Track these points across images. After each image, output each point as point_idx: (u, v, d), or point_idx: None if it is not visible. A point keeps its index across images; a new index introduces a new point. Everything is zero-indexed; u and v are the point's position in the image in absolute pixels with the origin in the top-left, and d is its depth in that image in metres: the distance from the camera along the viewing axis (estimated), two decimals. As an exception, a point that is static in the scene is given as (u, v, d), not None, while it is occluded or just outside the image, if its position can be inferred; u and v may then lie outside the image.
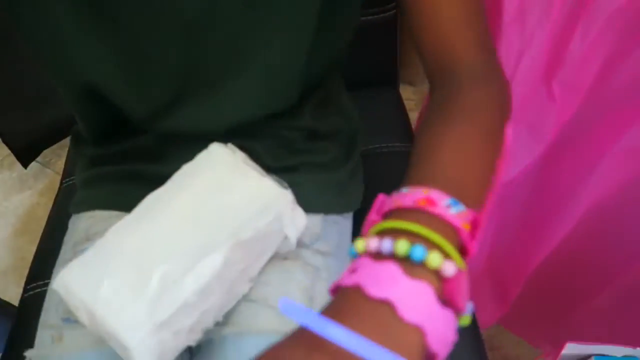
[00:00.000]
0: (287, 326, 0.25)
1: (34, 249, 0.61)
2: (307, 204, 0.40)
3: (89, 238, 0.44)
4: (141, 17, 0.36)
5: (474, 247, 0.26)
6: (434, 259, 0.24)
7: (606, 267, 0.62)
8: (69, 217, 0.50)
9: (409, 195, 0.27)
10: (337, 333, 0.22)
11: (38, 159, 1.14)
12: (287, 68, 0.40)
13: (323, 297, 0.41)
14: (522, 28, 0.48)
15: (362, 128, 0.52)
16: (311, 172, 0.45)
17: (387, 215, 0.27)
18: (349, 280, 0.24)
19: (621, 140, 0.47)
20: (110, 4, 0.36)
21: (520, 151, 0.53)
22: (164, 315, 0.32)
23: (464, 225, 0.26)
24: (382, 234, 0.26)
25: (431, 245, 0.24)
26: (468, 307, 0.25)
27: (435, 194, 0.26)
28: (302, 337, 0.23)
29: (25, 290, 0.55)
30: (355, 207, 0.50)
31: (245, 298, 0.38)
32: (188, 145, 0.41)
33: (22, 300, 0.54)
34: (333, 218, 0.46)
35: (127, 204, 0.40)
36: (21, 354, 0.43)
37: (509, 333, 0.83)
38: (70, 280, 0.35)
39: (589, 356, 0.59)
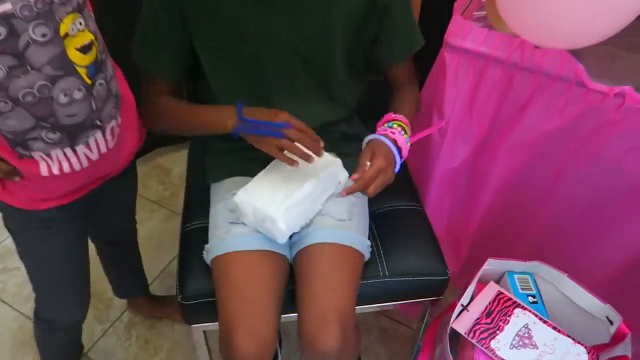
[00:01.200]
0: (340, 225, 0.70)
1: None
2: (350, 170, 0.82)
3: (232, 191, 0.83)
4: (268, 58, 0.79)
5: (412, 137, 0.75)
6: (405, 130, 0.71)
7: (519, 222, 1.01)
8: (200, 186, 0.89)
9: (396, 116, 0.74)
10: None
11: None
12: (341, 101, 0.83)
13: (357, 214, 0.82)
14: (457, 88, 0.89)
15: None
16: (344, 157, 0.84)
17: (390, 120, 0.75)
18: (383, 132, 0.76)
19: (510, 140, 0.88)
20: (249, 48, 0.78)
21: (458, 150, 0.93)
22: (292, 202, 0.71)
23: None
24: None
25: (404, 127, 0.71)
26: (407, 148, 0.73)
27: (401, 117, 0.74)
28: None
29: (183, 230, 0.91)
30: None
31: (319, 213, 0.78)
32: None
33: (183, 235, 0.91)
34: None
35: (251, 172, 0.79)
36: (190, 265, 0.81)
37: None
38: (247, 194, 0.75)
39: (504, 273, 0.97)
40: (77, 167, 0.73)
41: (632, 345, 0.84)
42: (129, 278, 1.23)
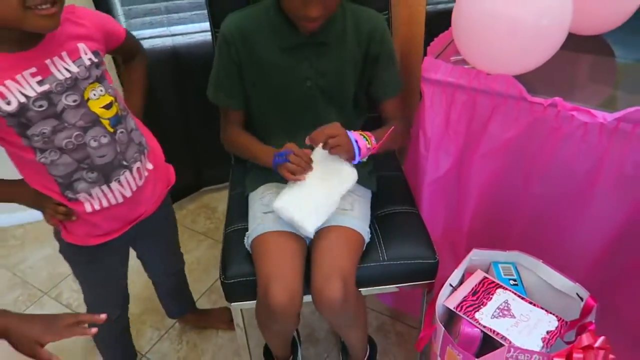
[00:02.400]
0: (343, 213, 1.01)
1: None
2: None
3: (266, 192, 1.10)
4: (296, 91, 1.08)
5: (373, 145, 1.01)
6: (369, 140, 0.96)
7: (504, 221, 1.20)
8: (241, 197, 1.15)
9: (366, 132, 0.99)
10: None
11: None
12: (350, 124, 1.09)
13: (358, 207, 1.08)
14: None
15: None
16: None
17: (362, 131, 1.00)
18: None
19: (481, 150, 1.10)
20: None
21: (441, 162, 1.16)
22: (323, 213, 0.97)
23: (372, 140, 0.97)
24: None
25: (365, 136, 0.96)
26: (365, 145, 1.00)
27: (367, 133, 0.98)
28: None
29: (225, 232, 1.16)
30: (373, 189, 1.15)
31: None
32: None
33: (225, 235, 1.15)
34: (365, 191, 1.12)
35: (278, 179, 1.05)
36: (230, 255, 1.06)
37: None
38: (284, 203, 1.00)
39: (490, 263, 1.15)
40: (112, 201, 0.95)
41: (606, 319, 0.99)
42: (177, 302, 1.47)
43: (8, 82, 0.80)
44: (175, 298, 1.45)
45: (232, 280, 1.06)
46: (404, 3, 1.47)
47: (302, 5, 0.95)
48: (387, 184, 1.23)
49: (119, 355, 1.33)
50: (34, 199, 0.93)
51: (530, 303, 1.03)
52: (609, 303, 1.02)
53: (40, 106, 0.83)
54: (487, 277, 1.09)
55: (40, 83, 0.83)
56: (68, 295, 1.67)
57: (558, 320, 1.00)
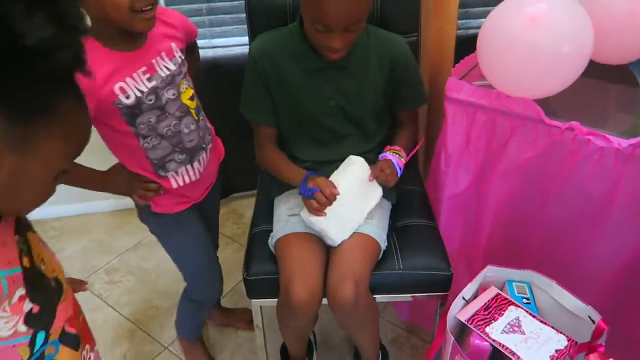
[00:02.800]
0: (373, 227, 1.07)
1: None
2: None
3: (291, 196, 1.16)
4: (320, 112, 1.15)
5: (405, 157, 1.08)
6: (401, 155, 1.03)
7: (520, 238, 1.22)
8: (267, 201, 1.22)
9: (391, 147, 1.07)
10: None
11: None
12: (372, 140, 1.17)
13: (377, 216, 1.13)
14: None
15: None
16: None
17: (387, 150, 1.08)
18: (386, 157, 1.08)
19: (499, 168, 1.13)
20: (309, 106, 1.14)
21: (461, 178, 1.20)
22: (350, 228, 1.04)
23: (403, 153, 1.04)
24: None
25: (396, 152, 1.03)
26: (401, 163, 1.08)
27: (395, 147, 1.06)
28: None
29: (250, 232, 1.23)
30: (392, 201, 1.20)
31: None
32: (325, 166, 1.12)
33: (250, 235, 1.22)
34: (385, 202, 1.18)
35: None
36: (254, 254, 1.14)
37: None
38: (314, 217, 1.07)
39: (504, 281, 1.17)
40: (193, 178, 1.11)
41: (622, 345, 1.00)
42: None
43: (128, 80, 0.93)
44: None
45: (254, 277, 1.12)
46: (435, 26, 1.53)
47: (326, 37, 0.99)
48: (408, 198, 1.28)
49: (196, 324, 1.44)
50: (125, 185, 1.06)
51: (541, 321, 1.05)
52: (621, 327, 1.03)
53: (150, 100, 0.97)
54: (500, 294, 1.11)
55: (149, 80, 0.96)
56: (99, 286, 1.77)
57: (567, 340, 1.02)
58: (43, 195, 0.60)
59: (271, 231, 1.17)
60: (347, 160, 1.11)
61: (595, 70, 1.08)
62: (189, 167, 1.09)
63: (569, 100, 1.12)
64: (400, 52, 1.14)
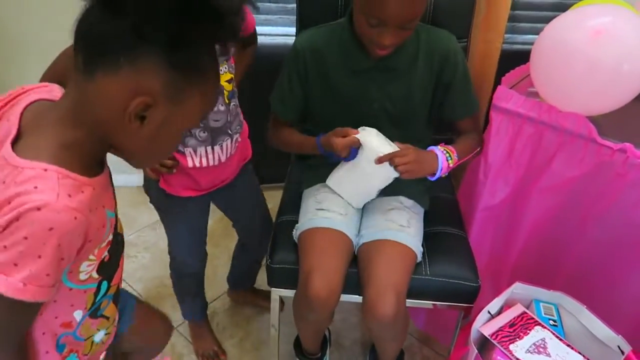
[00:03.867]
0: (400, 229, 1.05)
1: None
2: (412, 195, 1.13)
3: (320, 190, 1.14)
4: (363, 113, 1.12)
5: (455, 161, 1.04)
6: (451, 156, 0.99)
7: (552, 259, 1.19)
8: (296, 191, 1.20)
9: (447, 146, 1.02)
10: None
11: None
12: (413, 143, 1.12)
13: (414, 224, 1.10)
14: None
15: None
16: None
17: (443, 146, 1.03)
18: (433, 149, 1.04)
19: (541, 184, 1.10)
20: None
21: (498, 190, 1.17)
22: (362, 197, 1.03)
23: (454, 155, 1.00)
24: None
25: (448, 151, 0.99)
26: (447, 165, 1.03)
27: (449, 146, 1.02)
28: None
29: (277, 221, 1.22)
30: (425, 207, 1.17)
31: (386, 218, 1.10)
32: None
33: (276, 224, 1.21)
34: (419, 208, 1.16)
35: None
36: (279, 243, 1.12)
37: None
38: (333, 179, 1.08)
39: (531, 300, 1.13)
40: (211, 162, 1.07)
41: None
42: (247, 272, 1.54)
43: None
44: (248, 267, 1.53)
45: (277, 265, 1.10)
46: (482, 38, 1.51)
47: (377, 33, 0.96)
48: (440, 205, 1.25)
49: (197, 304, 1.44)
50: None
51: (568, 345, 1.02)
52: (652, 361, 0.99)
53: None
54: (526, 312, 1.08)
55: None
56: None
57: (596, 369, 0.98)
58: (166, 152, 0.66)
59: (296, 222, 1.16)
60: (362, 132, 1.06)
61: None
62: (209, 148, 1.05)
63: (620, 122, 1.08)
64: (450, 49, 1.09)
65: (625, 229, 1.04)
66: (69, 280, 0.64)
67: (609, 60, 0.93)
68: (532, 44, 1.08)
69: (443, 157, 1.04)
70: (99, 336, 0.77)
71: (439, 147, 1.06)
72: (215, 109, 1.03)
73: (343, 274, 1.04)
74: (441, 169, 1.04)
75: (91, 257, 0.64)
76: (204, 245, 1.31)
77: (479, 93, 1.39)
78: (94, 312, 0.72)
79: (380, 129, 1.12)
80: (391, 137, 1.09)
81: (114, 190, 0.70)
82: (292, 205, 1.23)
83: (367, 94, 1.11)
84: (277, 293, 1.16)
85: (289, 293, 1.12)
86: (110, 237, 0.66)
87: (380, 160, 1.00)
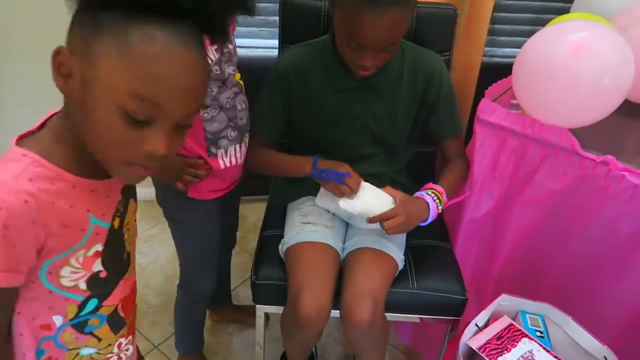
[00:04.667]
0: (381, 237, 1.05)
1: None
2: None
3: (305, 203, 1.12)
4: (346, 131, 1.10)
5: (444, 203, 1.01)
6: (441, 200, 0.97)
7: (535, 271, 1.19)
8: (280, 205, 1.19)
9: (433, 186, 1.00)
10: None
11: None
12: (396, 161, 1.13)
13: (395, 235, 1.09)
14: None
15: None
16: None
17: (427, 188, 1.02)
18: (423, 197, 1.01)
19: (524, 197, 1.11)
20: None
21: (483, 202, 1.17)
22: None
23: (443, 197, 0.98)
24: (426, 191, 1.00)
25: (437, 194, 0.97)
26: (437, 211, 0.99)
27: (437, 187, 1.00)
28: None
29: (261, 235, 1.20)
30: None
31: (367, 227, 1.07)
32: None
33: (260, 238, 1.19)
34: None
35: (316, 192, 1.08)
36: (264, 258, 1.10)
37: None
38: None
39: (517, 312, 1.13)
40: (239, 160, 1.08)
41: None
42: (224, 284, 1.51)
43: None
44: (225, 279, 1.50)
45: (262, 282, 1.08)
46: (463, 51, 1.53)
47: (358, 56, 0.95)
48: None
49: (200, 335, 1.37)
50: (177, 171, 1.01)
51: (555, 357, 1.02)
52: (637, 371, 1.00)
53: (216, 70, 0.98)
54: (513, 324, 1.08)
55: (216, 51, 0.97)
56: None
57: (582, 380, 0.99)
58: (114, 138, 0.55)
59: (282, 236, 1.14)
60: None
61: (628, 109, 1.07)
62: (237, 147, 1.06)
63: (601, 135, 1.10)
64: (435, 69, 1.10)
65: (607, 241, 1.06)
66: (48, 281, 0.61)
67: (589, 74, 0.95)
68: (511, 57, 1.10)
69: (434, 205, 1.05)
70: (86, 351, 0.73)
71: (428, 191, 1.06)
72: (240, 106, 1.05)
73: (332, 290, 1.03)
74: (432, 217, 1.05)
75: (74, 262, 0.61)
76: (216, 260, 1.25)
77: (460, 106, 1.40)
78: (79, 326, 0.69)
79: (362, 147, 1.12)
80: (372, 155, 1.09)
81: (126, 204, 0.67)
82: (276, 219, 1.21)
83: (351, 113, 1.10)
84: (262, 310, 1.13)
85: (274, 310, 1.10)
86: (100, 248, 0.63)
87: (370, 221, 1.03)
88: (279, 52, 1.30)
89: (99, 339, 0.72)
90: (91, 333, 0.70)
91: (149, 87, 0.52)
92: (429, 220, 1.05)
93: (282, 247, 1.11)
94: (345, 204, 1.04)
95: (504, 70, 1.12)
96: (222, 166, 1.05)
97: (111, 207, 0.64)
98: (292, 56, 1.10)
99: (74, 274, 0.62)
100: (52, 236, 0.57)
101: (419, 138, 1.22)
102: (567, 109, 1.00)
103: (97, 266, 0.64)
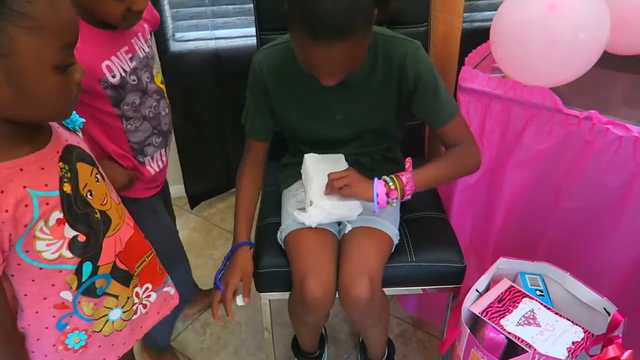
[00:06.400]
0: (375, 215, 1.04)
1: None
2: None
3: (299, 189, 1.14)
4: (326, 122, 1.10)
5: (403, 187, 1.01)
6: (397, 184, 0.97)
7: (532, 231, 1.21)
8: (274, 193, 1.20)
9: (402, 174, 0.99)
10: None
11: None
12: (386, 139, 1.12)
13: (388, 211, 1.09)
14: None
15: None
16: (379, 172, 1.09)
17: (396, 176, 1.01)
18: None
19: (513, 160, 1.12)
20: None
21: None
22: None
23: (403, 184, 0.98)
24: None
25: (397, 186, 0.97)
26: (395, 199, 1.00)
27: (406, 179, 0.99)
28: None
29: (258, 224, 1.21)
30: None
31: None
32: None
33: (258, 227, 1.20)
34: None
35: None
36: (263, 247, 1.12)
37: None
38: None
39: (517, 274, 1.15)
40: (162, 165, 1.11)
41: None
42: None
43: (113, 58, 0.93)
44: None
45: (264, 270, 1.09)
46: (442, 20, 1.52)
47: (317, 76, 0.95)
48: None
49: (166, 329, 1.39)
50: (127, 181, 1.03)
51: (556, 314, 1.04)
52: (637, 319, 1.02)
53: (133, 80, 0.98)
54: (513, 286, 1.10)
55: (130, 60, 0.96)
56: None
57: (584, 332, 1.01)
58: (58, 92, 0.61)
59: (279, 224, 1.15)
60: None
61: (608, 61, 1.06)
62: (162, 151, 1.10)
63: (583, 91, 1.10)
64: (408, 54, 1.00)
65: (598, 194, 1.07)
66: (31, 259, 0.64)
67: (565, 31, 0.95)
68: (492, 20, 1.09)
69: (380, 185, 1.01)
70: (115, 314, 0.77)
71: (383, 178, 1.03)
72: (164, 112, 1.07)
73: (335, 272, 1.04)
74: (377, 195, 1.01)
75: (41, 235, 0.63)
76: (184, 250, 1.27)
77: (444, 77, 1.39)
78: (89, 292, 0.72)
79: (348, 136, 1.13)
80: (360, 143, 1.11)
81: (73, 169, 0.68)
82: (272, 208, 1.22)
83: (330, 108, 1.09)
84: (267, 297, 1.15)
85: (279, 296, 1.12)
86: (60, 215, 0.65)
87: (326, 192, 1.05)
88: (257, 40, 1.30)
89: (116, 296, 0.76)
90: (105, 293, 0.74)
91: (66, 34, 0.59)
92: (375, 201, 1.02)
93: (281, 235, 1.12)
94: (307, 218, 1.06)
95: (487, 34, 1.10)
96: (152, 172, 1.09)
97: (53, 176, 0.65)
98: (267, 56, 1.08)
99: (51, 246, 0.65)
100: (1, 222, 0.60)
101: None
102: (546, 68, 1.00)
103: (70, 232, 0.66)
